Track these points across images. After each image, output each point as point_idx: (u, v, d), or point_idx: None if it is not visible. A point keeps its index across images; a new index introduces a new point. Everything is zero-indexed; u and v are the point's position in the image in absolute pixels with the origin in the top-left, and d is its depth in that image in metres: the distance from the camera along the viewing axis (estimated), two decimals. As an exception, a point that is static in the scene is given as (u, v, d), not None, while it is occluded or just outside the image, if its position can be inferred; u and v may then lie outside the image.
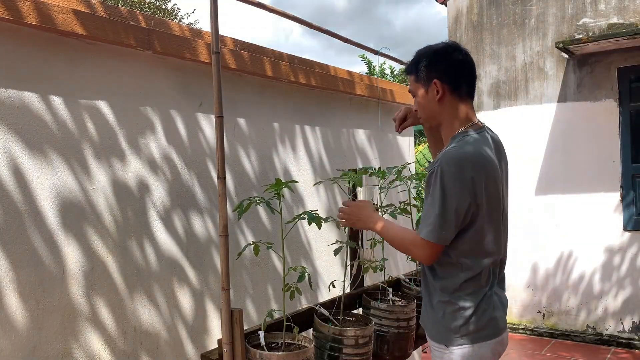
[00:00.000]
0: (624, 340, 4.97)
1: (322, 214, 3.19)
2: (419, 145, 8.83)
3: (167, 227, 2.33)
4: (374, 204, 2.06)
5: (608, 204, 5.07)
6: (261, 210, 2.81)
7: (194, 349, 2.41)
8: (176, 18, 15.43)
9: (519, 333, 5.47)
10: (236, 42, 2.76)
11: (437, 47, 1.78)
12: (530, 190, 5.45)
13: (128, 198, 2.18)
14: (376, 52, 3.56)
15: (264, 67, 2.76)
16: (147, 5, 14.55)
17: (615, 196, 5.04)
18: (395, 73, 17.13)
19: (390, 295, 2.44)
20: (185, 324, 2.39)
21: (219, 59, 1.71)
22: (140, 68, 2.26)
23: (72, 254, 1.98)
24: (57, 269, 1.93)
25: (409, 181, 2.55)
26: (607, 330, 5.08)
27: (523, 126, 5.49)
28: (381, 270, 2.41)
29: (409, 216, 2.34)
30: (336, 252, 2.11)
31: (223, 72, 1.90)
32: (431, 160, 1.87)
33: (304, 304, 2.98)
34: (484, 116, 5.48)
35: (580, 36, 5.13)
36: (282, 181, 1.85)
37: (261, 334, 1.86)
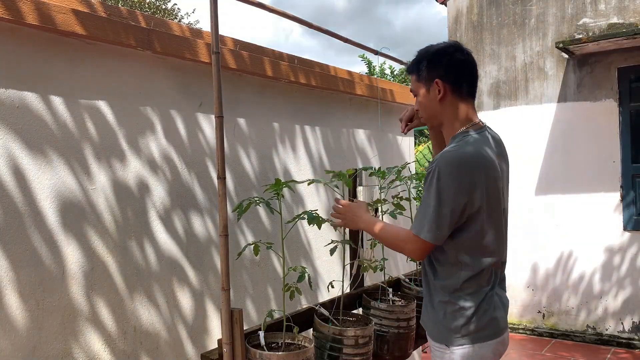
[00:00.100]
0: (624, 340, 4.97)
1: (322, 214, 3.19)
2: (419, 145, 8.84)
3: (167, 227, 2.33)
4: (368, 204, 2.06)
5: (608, 204, 5.07)
6: (261, 210, 2.81)
7: (194, 349, 2.41)
8: (176, 18, 15.43)
9: (519, 333, 5.47)
10: (236, 42, 2.76)
11: (439, 46, 1.78)
12: (530, 190, 5.45)
13: (128, 198, 2.18)
14: (376, 52, 3.56)
15: (264, 67, 2.76)
16: (147, 5, 14.55)
17: (615, 196, 5.04)
18: (395, 73, 17.13)
19: (390, 295, 2.44)
20: (185, 324, 2.39)
21: (219, 59, 1.71)
22: (140, 68, 2.26)
23: (72, 254, 1.98)
24: (57, 269, 1.93)
25: (408, 181, 2.55)
26: (607, 330, 5.08)
27: (523, 126, 5.49)
28: (381, 270, 2.41)
29: (402, 213, 2.33)
30: (332, 251, 2.11)
31: (223, 72, 1.90)
32: (431, 160, 1.87)
33: (304, 304, 2.98)
34: (484, 116, 5.48)
35: (580, 36, 5.13)
36: (282, 181, 1.85)
37: (261, 334, 1.86)
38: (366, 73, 14.57)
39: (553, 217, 5.34)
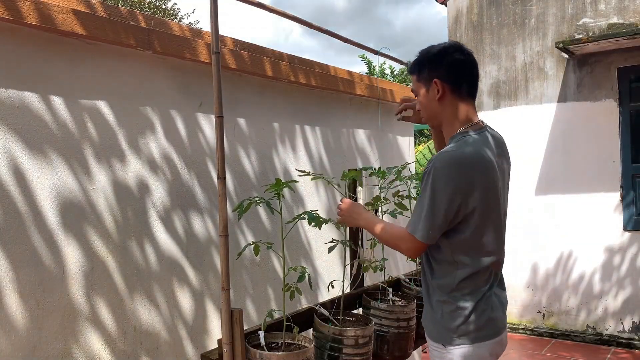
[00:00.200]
0: (624, 340, 4.97)
1: (322, 214, 3.19)
2: (419, 145, 8.84)
3: (167, 227, 2.33)
4: (367, 204, 2.07)
5: (608, 204, 5.07)
6: (261, 210, 2.81)
7: (194, 349, 2.41)
8: (176, 18, 15.43)
9: (519, 333, 5.47)
10: (236, 42, 2.76)
11: (439, 47, 1.79)
12: (530, 190, 5.45)
13: (128, 198, 2.18)
14: (376, 52, 3.56)
15: (264, 67, 2.76)
16: (147, 5, 14.55)
17: (615, 196, 5.04)
18: (395, 73, 17.14)
19: (390, 295, 2.44)
20: (185, 324, 2.39)
21: (219, 59, 1.71)
22: (140, 68, 2.26)
23: (72, 254, 1.98)
24: (57, 269, 1.93)
25: (408, 181, 2.55)
26: (607, 330, 5.08)
27: (523, 126, 5.49)
28: (381, 270, 2.41)
29: (402, 213, 2.34)
30: (330, 249, 2.11)
31: (223, 72, 1.90)
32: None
33: (304, 304, 2.98)
34: (484, 116, 5.47)
35: (580, 36, 5.13)
36: (282, 181, 1.85)
37: (261, 334, 1.86)
38: (366, 73, 14.57)
39: (553, 217, 5.34)
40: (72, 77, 2.02)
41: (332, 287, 2.29)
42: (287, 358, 1.76)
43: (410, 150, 4.34)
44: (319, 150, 3.29)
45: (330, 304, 2.20)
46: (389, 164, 3.86)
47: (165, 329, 2.30)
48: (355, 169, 2.50)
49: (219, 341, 1.77)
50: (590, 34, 5.09)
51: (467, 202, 1.63)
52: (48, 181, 1.92)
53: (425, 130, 12.05)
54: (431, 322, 1.77)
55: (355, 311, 2.33)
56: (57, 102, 1.96)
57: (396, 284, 2.57)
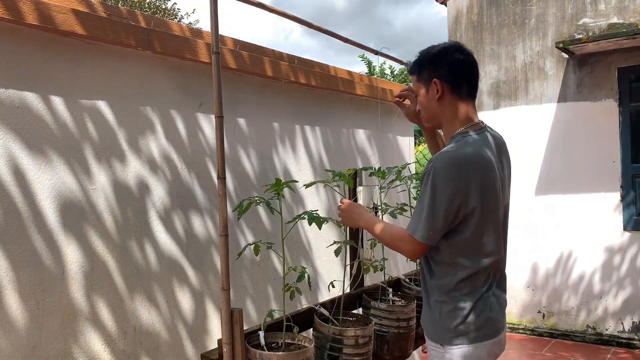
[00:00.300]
0: (624, 340, 4.97)
1: (322, 214, 3.19)
2: (419, 145, 8.84)
3: (167, 227, 2.33)
4: (373, 204, 2.07)
5: (608, 204, 5.07)
6: (261, 210, 2.81)
7: (194, 349, 2.41)
8: (176, 18, 15.43)
9: (519, 333, 5.47)
10: (236, 42, 2.76)
11: (439, 47, 1.79)
12: (530, 190, 5.45)
13: (128, 198, 2.18)
14: (376, 52, 3.56)
15: (264, 67, 2.76)
16: (147, 5, 14.55)
17: (615, 196, 5.04)
18: (395, 73, 17.13)
19: (390, 295, 2.44)
20: (185, 324, 2.39)
21: (219, 59, 1.71)
22: (140, 68, 2.26)
23: (72, 254, 1.98)
24: (57, 269, 1.93)
25: (408, 181, 2.55)
26: (607, 330, 5.08)
27: (523, 126, 5.49)
28: (381, 270, 2.41)
29: (402, 213, 2.35)
30: (337, 252, 2.11)
31: (223, 72, 1.90)
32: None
33: (304, 304, 2.98)
34: (484, 116, 5.47)
35: (580, 36, 5.13)
36: (282, 181, 1.85)
37: (261, 334, 1.86)
38: (366, 73, 14.57)
39: (553, 217, 5.34)
40: (72, 77, 2.02)
41: (333, 287, 2.29)
42: (287, 358, 1.76)
43: (410, 150, 4.34)
44: (319, 150, 3.29)
45: (330, 304, 2.20)
46: (389, 164, 3.86)
47: (165, 329, 2.30)
48: (355, 169, 2.51)
49: (219, 341, 1.77)
50: (590, 34, 5.09)
51: (467, 203, 1.62)
52: (48, 181, 1.92)
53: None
54: (429, 322, 1.77)
55: (355, 311, 2.33)
56: (57, 102, 1.96)
57: (396, 284, 2.57)
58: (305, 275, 1.94)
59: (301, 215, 1.96)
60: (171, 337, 2.32)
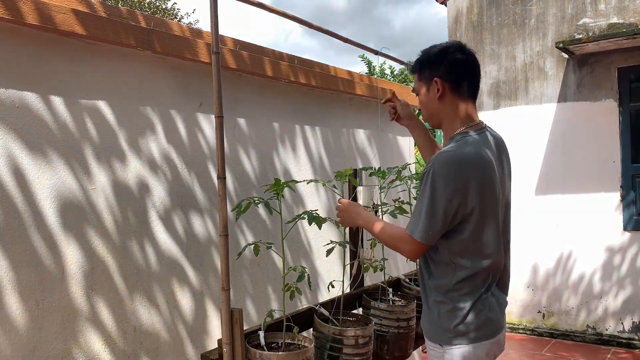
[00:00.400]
0: (624, 340, 4.97)
1: (322, 214, 3.19)
2: (419, 145, 8.82)
3: (167, 227, 2.33)
4: (373, 204, 2.07)
5: (608, 204, 5.07)
6: (261, 210, 2.81)
7: (194, 349, 2.41)
8: (176, 18, 15.43)
9: (519, 333, 5.47)
10: (236, 42, 2.76)
11: (440, 46, 1.79)
12: (530, 190, 5.45)
13: (128, 198, 2.18)
14: (376, 52, 3.55)
15: (264, 67, 2.76)
16: (147, 5, 14.55)
17: (615, 196, 5.04)
18: (395, 73, 17.12)
19: (390, 295, 2.44)
20: (185, 324, 2.39)
21: (219, 59, 1.71)
22: (140, 68, 2.26)
23: (72, 254, 1.98)
24: (57, 269, 1.93)
25: (409, 181, 2.54)
26: (607, 330, 5.08)
27: (523, 126, 5.49)
28: (381, 270, 2.41)
29: (402, 213, 2.35)
30: (328, 252, 2.11)
31: (223, 72, 1.90)
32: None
33: (304, 304, 2.98)
34: (484, 116, 5.47)
35: (580, 36, 5.13)
36: (282, 181, 1.85)
37: (261, 334, 1.86)
38: (366, 73, 14.57)
39: (553, 217, 5.34)
40: (72, 77, 2.02)
41: (332, 287, 2.29)
42: (287, 358, 1.76)
43: (410, 151, 4.34)
44: (319, 150, 3.29)
45: (330, 304, 2.20)
46: (389, 164, 3.86)
47: (165, 329, 2.30)
48: (355, 169, 2.51)
49: (219, 341, 1.77)
50: (590, 34, 5.09)
51: (466, 203, 1.62)
52: (48, 181, 1.92)
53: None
54: (428, 322, 1.76)
55: (355, 311, 2.33)
56: (57, 102, 1.96)
57: (396, 284, 2.57)
58: (305, 275, 1.94)
59: (301, 215, 1.96)
60: (171, 337, 2.32)
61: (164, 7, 15.28)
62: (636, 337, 4.94)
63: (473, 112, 1.77)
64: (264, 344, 1.83)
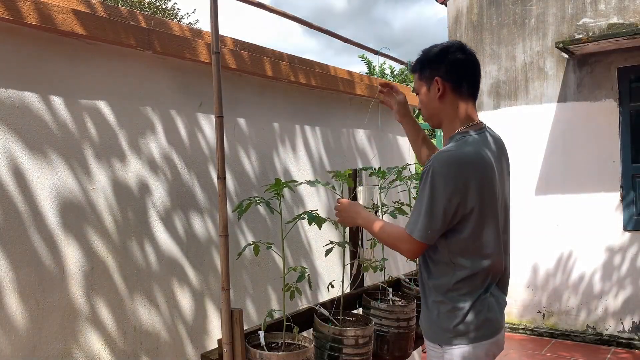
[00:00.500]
0: (624, 340, 4.97)
1: (322, 214, 3.19)
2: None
3: (167, 227, 2.33)
4: (373, 204, 2.07)
5: (608, 204, 5.07)
6: (261, 210, 2.81)
7: (194, 349, 2.41)
8: (176, 18, 15.43)
9: (519, 333, 5.47)
10: (236, 42, 2.76)
11: (441, 46, 1.79)
12: (530, 190, 5.45)
13: (128, 198, 2.18)
14: (376, 52, 3.56)
15: (264, 67, 2.76)
16: (147, 5, 14.55)
17: (615, 196, 5.04)
18: (395, 73, 17.13)
19: (390, 295, 2.44)
20: (185, 324, 2.39)
21: (219, 59, 1.71)
22: (140, 68, 2.26)
23: (72, 254, 1.98)
24: (57, 269, 1.93)
25: (409, 181, 2.55)
26: (607, 330, 5.08)
27: (523, 126, 5.49)
28: (381, 270, 2.41)
29: (408, 216, 2.35)
30: (327, 252, 2.11)
31: (223, 72, 1.90)
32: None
33: (304, 304, 2.98)
34: (484, 116, 5.47)
35: (580, 36, 5.13)
36: (282, 181, 1.85)
37: (261, 334, 1.86)
38: (366, 73, 14.56)
39: (553, 217, 5.34)
40: (72, 77, 2.02)
41: (332, 287, 2.29)
42: (287, 358, 1.76)
43: (410, 151, 4.34)
44: (319, 150, 3.29)
45: (330, 304, 2.20)
46: (389, 164, 3.86)
47: (165, 329, 2.30)
48: (355, 169, 2.51)
49: (219, 341, 1.77)
50: (590, 34, 5.09)
51: (466, 202, 1.62)
52: (48, 181, 1.92)
53: (426, 130, 12.04)
54: (427, 322, 1.76)
55: (355, 311, 2.33)
56: (57, 102, 1.96)
57: (396, 284, 2.57)
58: (305, 275, 1.94)
59: (301, 215, 1.96)
60: (171, 337, 2.32)
61: (164, 7, 15.28)
62: (636, 337, 4.94)
63: (473, 112, 1.77)
64: (264, 344, 1.83)
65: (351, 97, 3.58)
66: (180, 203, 2.40)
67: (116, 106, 2.15)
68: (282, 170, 2.99)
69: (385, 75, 16.76)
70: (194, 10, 21.58)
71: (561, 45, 4.90)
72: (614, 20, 5.04)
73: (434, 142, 4.17)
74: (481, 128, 1.76)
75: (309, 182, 2.01)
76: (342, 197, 2.02)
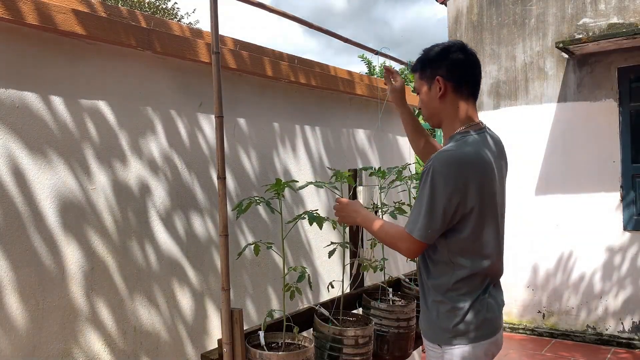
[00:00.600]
0: (624, 340, 4.97)
1: (323, 214, 3.19)
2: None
3: (167, 227, 2.33)
4: (373, 204, 2.07)
5: (608, 204, 5.07)
6: (261, 210, 2.81)
7: (194, 349, 2.41)
8: (176, 18, 15.42)
9: (519, 333, 5.47)
10: (236, 42, 2.77)
11: (443, 45, 1.79)
12: (530, 190, 5.45)
13: (128, 198, 2.18)
14: (376, 52, 3.55)
15: (264, 67, 2.76)
16: (147, 5, 14.54)
17: (615, 196, 5.04)
18: (395, 73, 17.09)
19: (390, 295, 2.44)
20: (185, 324, 2.39)
21: (219, 59, 1.71)
22: (141, 68, 2.26)
23: (72, 254, 1.98)
24: (57, 269, 1.93)
25: (409, 181, 2.55)
26: (607, 330, 5.08)
27: (523, 126, 5.49)
28: (381, 270, 2.41)
29: (407, 216, 2.35)
30: (330, 254, 2.11)
31: (223, 72, 1.90)
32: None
33: (304, 303, 2.98)
34: (484, 116, 5.47)
35: (580, 36, 5.13)
36: (282, 181, 1.85)
37: (261, 334, 1.86)
38: (366, 73, 14.56)
39: (553, 217, 5.34)
40: (72, 77, 2.02)
41: (332, 287, 2.29)
42: (287, 358, 1.76)
43: (410, 151, 4.34)
44: (319, 150, 3.29)
45: (330, 304, 2.20)
46: (389, 164, 3.86)
47: (165, 329, 2.30)
48: (355, 169, 2.51)
49: (219, 341, 1.77)
50: (590, 34, 5.09)
51: (466, 202, 1.62)
52: (48, 181, 1.92)
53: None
54: (427, 322, 1.76)
55: (355, 311, 2.33)
56: (57, 102, 1.96)
57: (396, 284, 2.57)
58: (306, 275, 1.94)
59: (301, 215, 1.96)
60: (171, 337, 2.32)
61: (164, 7, 15.28)
62: (636, 337, 4.94)
63: (473, 112, 1.77)
64: (264, 344, 1.83)
65: (351, 97, 3.58)
66: (180, 203, 2.40)
67: (116, 106, 2.15)
68: (282, 170, 2.99)
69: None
70: (194, 10, 21.59)
71: (561, 45, 4.90)
72: (614, 20, 5.04)
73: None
74: (481, 128, 1.76)
75: (312, 184, 2.01)
76: (342, 197, 2.01)
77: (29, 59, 1.89)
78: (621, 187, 5.01)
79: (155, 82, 2.32)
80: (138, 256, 2.21)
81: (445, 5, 6.08)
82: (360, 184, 2.61)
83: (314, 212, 1.90)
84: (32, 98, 1.88)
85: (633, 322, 4.96)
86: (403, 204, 2.37)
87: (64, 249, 1.95)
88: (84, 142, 2.04)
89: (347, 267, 2.50)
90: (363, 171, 2.54)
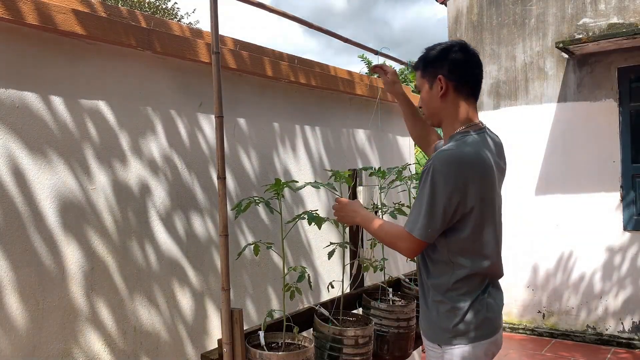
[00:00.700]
0: (624, 340, 4.97)
1: (322, 214, 3.19)
2: (419, 145, 8.82)
3: (167, 227, 2.33)
4: (373, 204, 2.07)
5: (608, 204, 5.07)
6: (261, 210, 2.81)
7: (194, 349, 2.41)
8: (176, 18, 15.42)
9: (519, 333, 5.47)
10: (236, 42, 2.77)
11: (445, 44, 1.79)
12: (530, 190, 5.45)
13: (128, 198, 2.18)
14: (376, 52, 3.55)
15: (264, 67, 2.76)
16: (147, 5, 14.54)
17: (615, 196, 5.04)
18: (395, 73, 17.08)
19: (390, 295, 2.44)
20: (185, 324, 2.39)
21: (219, 59, 1.71)
22: (141, 68, 2.26)
23: (72, 254, 1.98)
24: (57, 269, 1.93)
25: (409, 181, 2.55)
26: (607, 330, 5.08)
27: (523, 126, 5.49)
28: (381, 270, 2.41)
29: (407, 216, 2.35)
30: (330, 255, 2.11)
31: (223, 72, 1.90)
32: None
33: (304, 304, 2.98)
34: (484, 116, 5.47)
35: (580, 36, 5.13)
36: (282, 181, 1.85)
37: (261, 334, 1.86)
38: (366, 73, 14.54)
39: (553, 217, 5.34)
40: (72, 77, 2.02)
41: (332, 287, 2.29)
42: (287, 358, 1.76)
43: (410, 151, 4.34)
44: (319, 150, 3.29)
45: (330, 304, 2.20)
46: (389, 164, 3.86)
47: (165, 329, 2.30)
48: (355, 170, 2.51)
49: (219, 341, 1.77)
50: (590, 34, 5.09)
51: (466, 202, 1.62)
52: (48, 181, 1.92)
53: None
54: (427, 322, 1.76)
55: (355, 311, 2.33)
56: (57, 102, 1.96)
57: (396, 284, 2.57)
58: (306, 275, 1.94)
59: (301, 215, 1.96)
60: (171, 337, 2.32)
61: (164, 7, 15.27)
62: (636, 337, 4.94)
63: (473, 113, 1.77)
64: (264, 344, 1.83)
65: (351, 97, 3.58)
66: (180, 203, 2.40)
67: (116, 106, 2.15)
68: (282, 170, 2.99)
69: (385, 75, 16.71)
70: (194, 10, 21.57)
71: (561, 45, 4.90)
72: (614, 20, 5.04)
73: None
74: (481, 129, 1.76)
75: (310, 184, 2.01)
76: (341, 197, 2.01)
77: (29, 59, 1.89)
78: (621, 187, 5.01)
79: (155, 82, 2.32)
80: (138, 256, 2.21)
81: (445, 5, 6.08)
82: (360, 184, 2.61)
83: (314, 212, 1.90)
84: (32, 98, 1.88)
85: (633, 322, 4.96)
86: (403, 205, 2.37)
87: (64, 249, 1.95)
88: (84, 142, 2.04)
89: (347, 267, 2.50)
90: (363, 171, 2.54)
